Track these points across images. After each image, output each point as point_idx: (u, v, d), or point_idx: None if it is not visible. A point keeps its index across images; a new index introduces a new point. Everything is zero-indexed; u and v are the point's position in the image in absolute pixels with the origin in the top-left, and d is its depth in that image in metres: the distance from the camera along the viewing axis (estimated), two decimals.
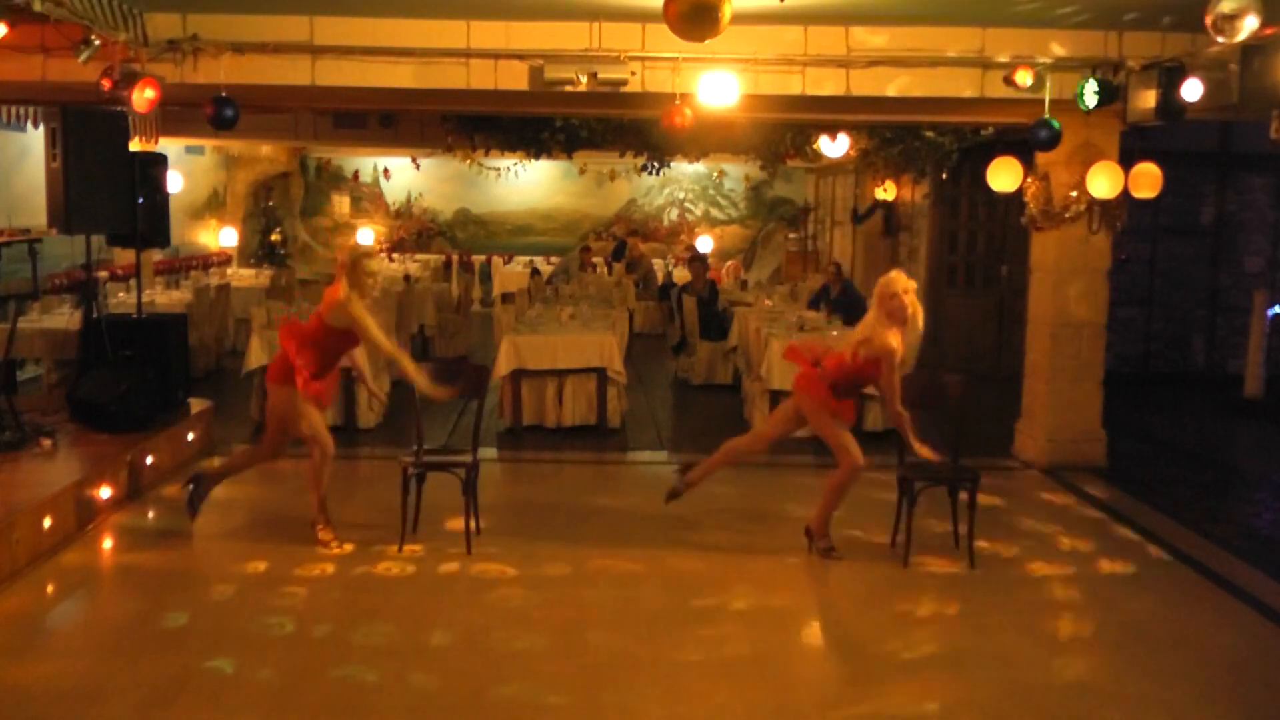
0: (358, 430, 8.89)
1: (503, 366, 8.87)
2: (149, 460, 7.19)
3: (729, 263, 19.44)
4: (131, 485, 6.92)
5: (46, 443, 6.91)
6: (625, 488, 7.69)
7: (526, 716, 4.23)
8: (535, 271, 16.69)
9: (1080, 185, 7.95)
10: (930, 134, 11.33)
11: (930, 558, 6.00)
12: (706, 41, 5.21)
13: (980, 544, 6.04)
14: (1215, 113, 7.39)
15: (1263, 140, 7.11)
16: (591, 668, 4.64)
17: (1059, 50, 7.18)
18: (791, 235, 19.74)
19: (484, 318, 15.59)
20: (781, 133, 12.35)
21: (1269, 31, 5.32)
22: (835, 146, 11.72)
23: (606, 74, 7.08)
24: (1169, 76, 6.76)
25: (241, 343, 11.88)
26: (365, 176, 19.89)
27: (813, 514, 6.08)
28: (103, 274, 11.43)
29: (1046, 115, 7.23)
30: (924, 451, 5.77)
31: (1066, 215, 8.12)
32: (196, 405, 8.33)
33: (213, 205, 17.58)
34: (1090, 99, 7.00)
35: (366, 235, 19.50)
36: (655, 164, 13.27)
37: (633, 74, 7.15)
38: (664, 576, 5.75)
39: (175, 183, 11.44)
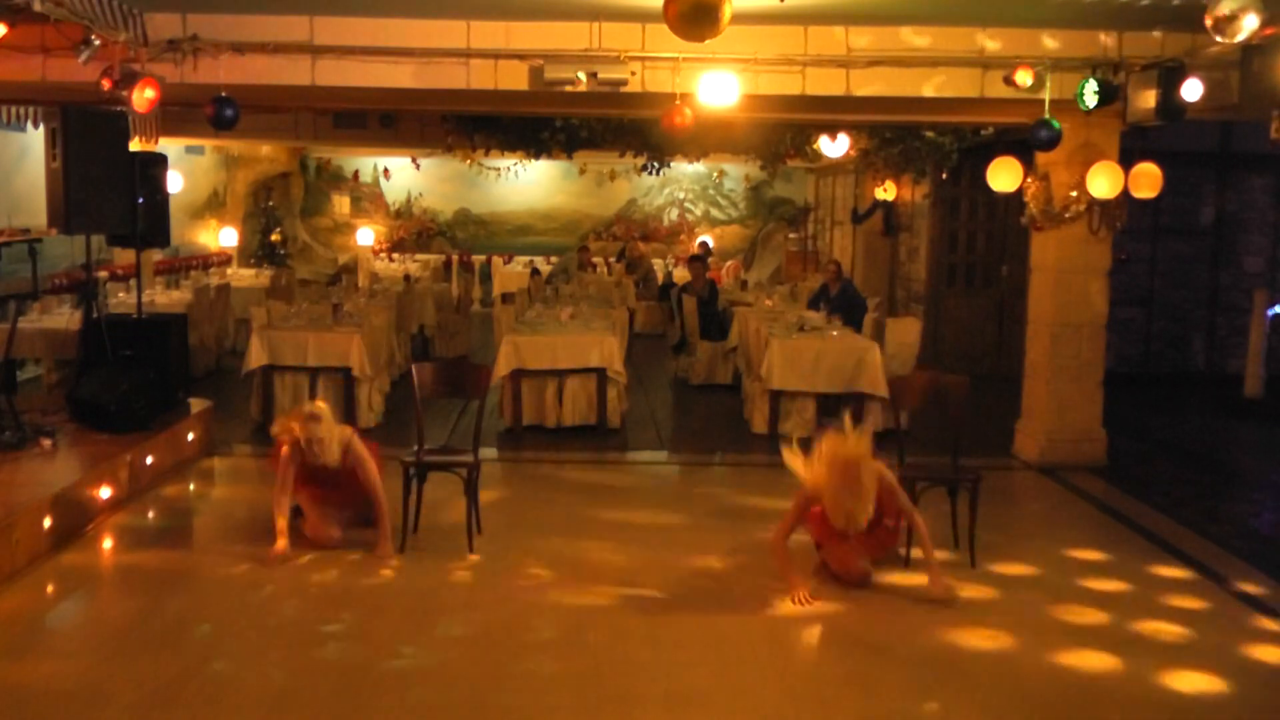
0: (358, 430, 8.87)
1: (503, 366, 8.87)
2: (149, 460, 7.19)
3: (729, 263, 19.45)
4: (131, 485, 6.92)
5: (46, 443, 6.90)
6: (625, 488, 7.69)
7: (527, 716, 4.23)
8: (535, 271, 16.69)
9: (1080, 185, 7.96)
10: (930, 134, 11.34)
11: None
12: (706, 41, 5.20)
13: (980, 544, 6.04)
14: (1215, 113, 7.39)
15: (1263, 140, 7.11)
16: (592, 667, 4.64)
17: (1059, 50, 7.19)
18: (791, 235, 19.75)
19: (484, 318, 15.59)
20: (781, 133, 12.35)
21: (1269, 31, 5.32)
22: (835, 146, 11.72)
23: (606, 74, 7.08)
24: (1169, 76, 6.76)
25: (241, 343, 11.87)
26: (365, 176, 19.89)
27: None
28: (103, 274, 11.45)
29: (1046, 115, 7.23)
30: (797, 592, 5.36)
31: (1066, 215, 8.12)
32: (196, 405, 8.33)
33: (213, 205, 17.59)
34: (1090, 99, 7.01)
35: (366, 235, 19.51)
36: (655, 164, 13.27)
37: (633, 74, 7.16)
38: (664, 576, 5.75)
39: (175, 183, 11.44)
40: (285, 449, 5.88)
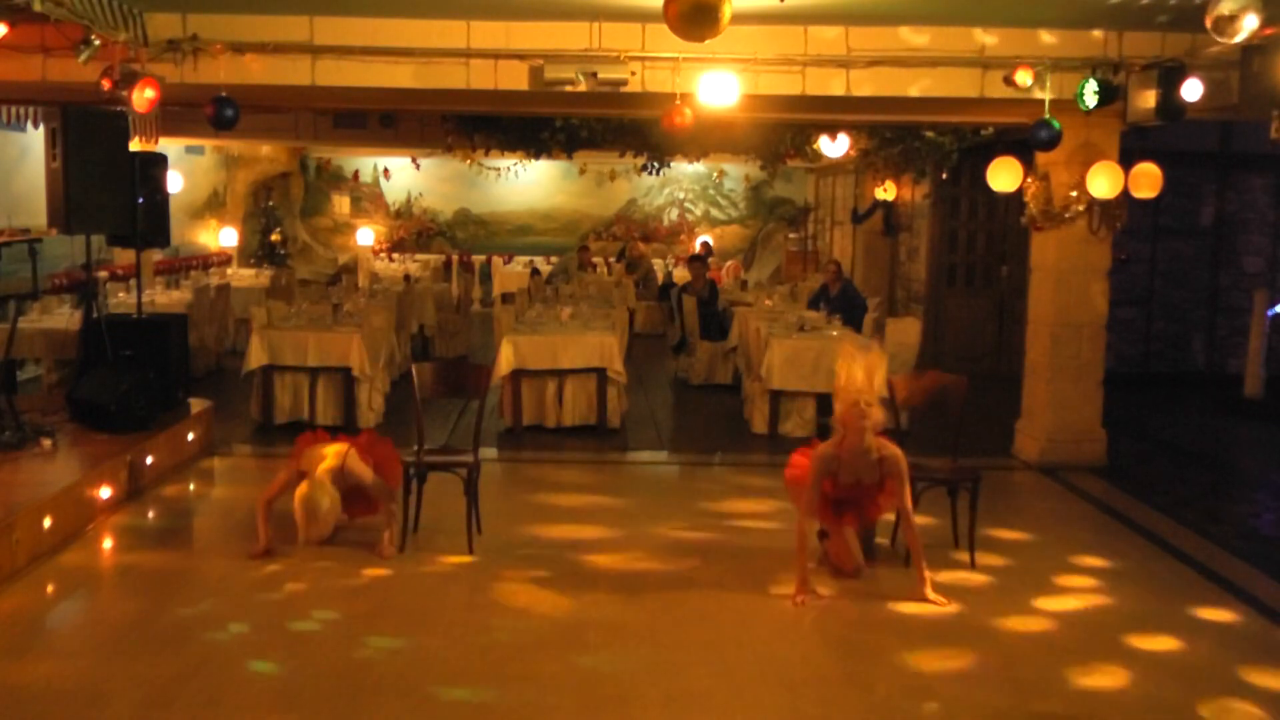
0: (358, 430, 8.87)
1: (503, 367, 8.87)
2: (149, 460, 7.19)
3: (729, 263, 19.45)
4: (131, 485, 6.92)
5: (46, 443, 6.90)
6: (625, 488, 7.69)
7: (527, 716, 4.23)
8: (535, 271, 16.70)
9: (1080, 185, 7.96)
10: (930, 134, 11.33)
11: (931, 558, 5.98)
12: (706, 41, 5.21)
13: (980, 544, 6.03)
14: (1215, 113, 7.39)
15: (1263, 140, 7.11)
16: (591, 667, 4.64)
17: (1059, 50, 7.19)
18: (791, 235, 19.75)
19: (484, 318, 15.58)
20: (781, 133, 12.35)
21: (1269, 31, 5.33)
22: (835, 146, 11.72)
23: (606, 74, 7.08)
24: (1169, 76, 6.76)
25: (241, 343, 11.87)
26: (365, 176, 19.89)
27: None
28: (103, 274, 11.45)
29: (1046, 115, 7.23)
30: (799, 595, 5.35)
31: (1066, 215, 8.12)
32: (196, 405, 8.33)
33: (213, 205, 17.59)
34: (1090, 99, 7.01)
35: (366, 235, 19.51)
36: (655, 164, 13.28)
37: (633, 74, 7.16)
38: (665, 575, 5.75)
39: (175, 183, 11.44)
40: (287, 474, 5.91)
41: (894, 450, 5.41)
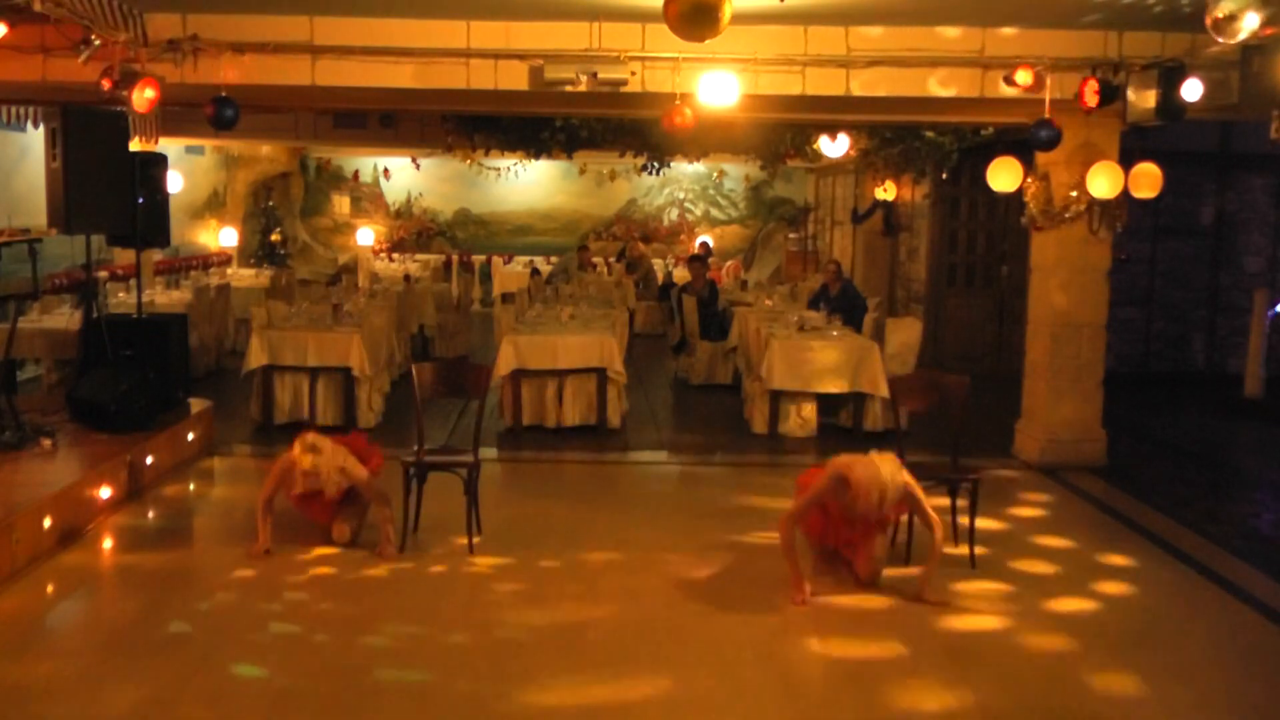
0: (358, 430, 8.88)
1: (503, 367, 8.87)
2: (149, 460, 7.19)
3: (729, 263, 19.46)
4: (131, 485, 6.92)
5: (46, 443, 6.90)
6: (625, 488, 7.69)
7: (527, 715, 4.23)
8: (535, 271, 16.70)
9: (1080, 185, 7.96)
10: (930, 134, 11.34)
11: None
12: (706, 41, 5.21)
13: (980, 544, 6.04)
14: (1215, 113, 7.39)
15: (1263, 140, 7.11)
16: (591, 668, 4.64)
17: (1059, 50, 7.19)
18: (791, 235, 19.75)
19: (484, 318, 15.59)
20: (781, 133, 12.35)
21: (1269, 31, 5.32)
22: (835, 146, 11.72)
23: (606, 74, 7.08)
24: (1169, 76, 6.76)
25: (241, 343, 11.87)
26: (365, 176, 19.89)
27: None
28: (103, 274, 11.44)
29: (1046, 115, 7.23)
30: (798, 593, 5.37)
31: (1066, 215, 8.12)
32: (196, 405, 8.33)
33: (213, 205, 17.58)
34: (1090, 99, 7.01)
35: (366, 235, 19.51)
36: (655, 164, 13.27)
37: (633, 74, 7.16)
38: (664, 576, 5.75)
39: (175, 183, 11.44)
40: (281, 464, 5.90)
41: (900, 490, 5.29)
